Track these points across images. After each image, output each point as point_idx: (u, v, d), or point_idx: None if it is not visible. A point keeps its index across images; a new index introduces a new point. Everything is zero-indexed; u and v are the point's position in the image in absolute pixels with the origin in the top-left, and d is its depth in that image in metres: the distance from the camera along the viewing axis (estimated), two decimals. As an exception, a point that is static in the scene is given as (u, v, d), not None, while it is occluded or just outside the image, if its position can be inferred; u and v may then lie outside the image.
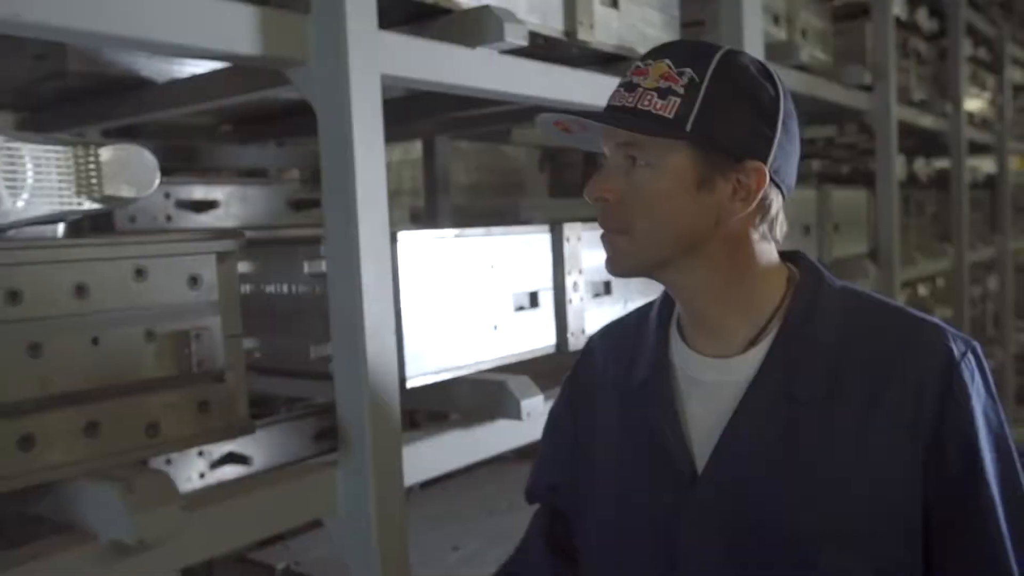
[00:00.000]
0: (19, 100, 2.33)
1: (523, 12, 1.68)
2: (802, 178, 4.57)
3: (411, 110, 2.37)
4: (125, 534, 1.00)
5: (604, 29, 1.94)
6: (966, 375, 0.94)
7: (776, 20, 2.83)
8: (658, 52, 1.00)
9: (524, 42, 1.55)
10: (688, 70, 0.96)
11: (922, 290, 4.53)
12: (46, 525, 1.39)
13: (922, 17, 4.12)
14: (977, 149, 5.20)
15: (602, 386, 1.14)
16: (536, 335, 1.82)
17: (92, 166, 1.08)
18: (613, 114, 0.98)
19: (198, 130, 2.93)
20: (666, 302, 1.11)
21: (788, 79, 2.69)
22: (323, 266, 1.38)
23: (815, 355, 0.97)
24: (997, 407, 0.97)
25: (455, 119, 2.84)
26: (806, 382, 0.96)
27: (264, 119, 2.78)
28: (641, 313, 1.16)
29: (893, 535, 0.93)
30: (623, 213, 0.98)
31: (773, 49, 2.64)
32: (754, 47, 2.34)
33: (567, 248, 1.88)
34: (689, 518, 0.99)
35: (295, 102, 2.20)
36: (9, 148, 1.00)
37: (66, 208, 1.07)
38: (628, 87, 0.99)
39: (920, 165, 4.30)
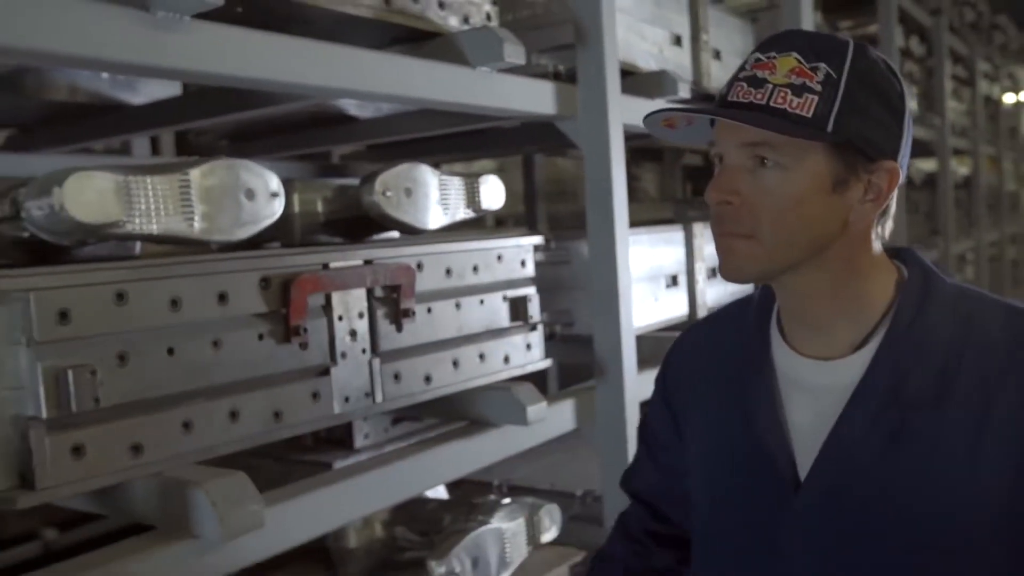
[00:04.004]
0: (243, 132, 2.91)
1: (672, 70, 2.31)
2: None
3: (520, 134, 2.99)
4: (520, 420, 1.61)
5: (713, 77, 2.58)
6: None
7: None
8: (780, 44, 0.95)
9: (689, 95, 2.18)
10: (823, 65, 0.91)
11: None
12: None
13: (914, 43, 4.83)
14: (955, 154, 5.93)
15: (695, 383, 1.14)
16: (676, 306, 2.45)
17: (476, 189, 1.68)
18: (742, 112, 0.93)
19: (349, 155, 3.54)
20: (765, 300, 1.09)
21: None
22: (542, 256, 2.00)
23: (924, 357, 0.94)
24: None
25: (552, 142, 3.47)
26: (915, 385, 0.93)
27: (400, 144, 3.37)
28: (736, 310, 1.15)
29: (1004, 544, 0.90)
30: (749, 216, 0.94)
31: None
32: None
33: (696, 242, 2.51)
34: (791, 525, 0.97)
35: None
36: (442, 179, 1.61)
37: (458, 217, 1.68)
38: (753, 82, 0.93)
39: (914, 171, 5.01)
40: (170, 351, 1.17)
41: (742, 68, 0.96)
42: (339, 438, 2.16)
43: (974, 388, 0.91)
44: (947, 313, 0.96)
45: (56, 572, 1.05)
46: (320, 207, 1.66)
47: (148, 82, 2.18)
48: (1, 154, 2.43)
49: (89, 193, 1.10)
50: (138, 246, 1.42)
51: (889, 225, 1.00)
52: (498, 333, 1.70)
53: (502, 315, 1.72)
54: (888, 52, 4.16)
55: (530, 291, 1.77)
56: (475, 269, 1.66)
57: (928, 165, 5.46)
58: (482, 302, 1.67)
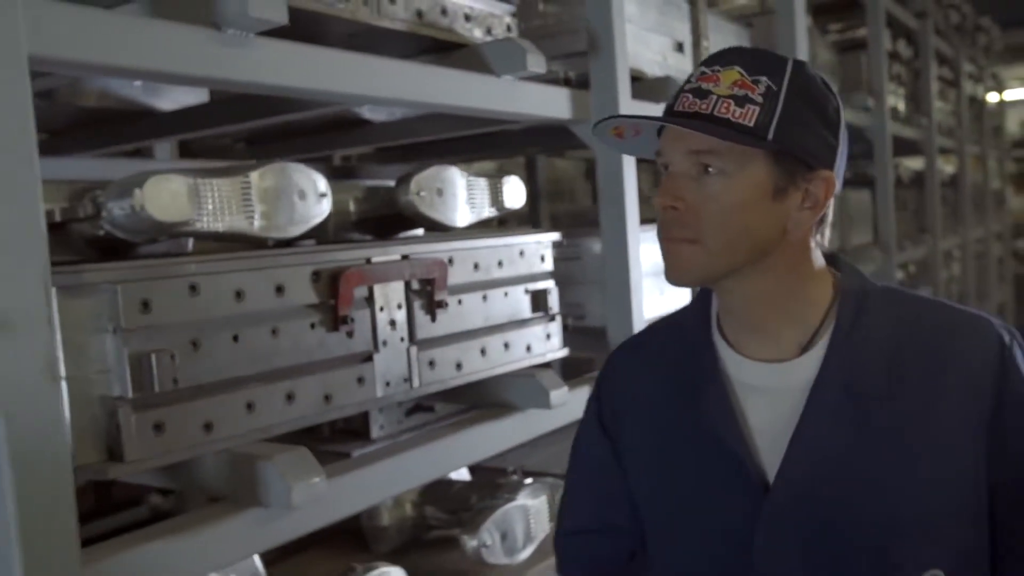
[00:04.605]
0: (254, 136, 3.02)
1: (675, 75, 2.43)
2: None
3: (521, 137, 3.12)
4: (543, 404, 1.72)
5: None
6: (1017, 358, 0.99)
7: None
8: (724, 59, 1.00)
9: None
10: (763, 78, 0.96)
11: (899, 274, 5.39)
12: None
13: (901, 46, 4.97)
14: (941, 152, 6.09)
15: (635, 403, 1.15)
16: (680, 300, 2.57)
17: (499, 189, 1.80)
18: (688, 120, 0.97)
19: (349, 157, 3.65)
20: (700, 310, 1.12)
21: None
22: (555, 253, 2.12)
23: (870, 353, 0.99)
24: None
25: (553, 144, 3.59)
26: (868, 380, 0.98)
27: (406, 148, 3.49)
28: (666, 326, 1.19)
29: (966, 519, 0.96)
30: (694, 222, 0.97)
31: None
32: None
33: (698, 238, 2.65)
34: (763, 525, 0.99)
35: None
36: (469, 180, 1.73)
37: (484, 215, 1.80)
38: (698, 93, 0.97)
39: (902, 169, 5.15)
40: (235, 338, 1.29)
41: (688, 81, 1.01)
42: (355, 429, 2.27)
43: (918, 380, 0.98)
44: (883, 312, 1.02)
45: (136, 538, 1.16)
46: (352, 207, 1.78)
47: (177, 88, 2.29)
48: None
49: (165, 195, 1.22)
50: (190, 243, 1.54)
51: (827, 233, 1.06)
52: (521, 323, 1.82)
53: (524, 307, 1.83)
54: (877, 55, 4.30)
55: (549, 284, 1.89)
56: (500, 264, 1.77)
57: (916, 164, 5.62)
58: (506, 294, 1.79)
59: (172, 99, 2.33)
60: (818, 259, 1.04)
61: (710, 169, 0.97)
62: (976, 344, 0.99)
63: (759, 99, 0.95)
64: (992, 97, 8.68)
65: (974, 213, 7.00)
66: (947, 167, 6.68)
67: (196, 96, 2.31)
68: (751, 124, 0.95)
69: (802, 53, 3.09)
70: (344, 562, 1.70)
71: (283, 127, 2.87)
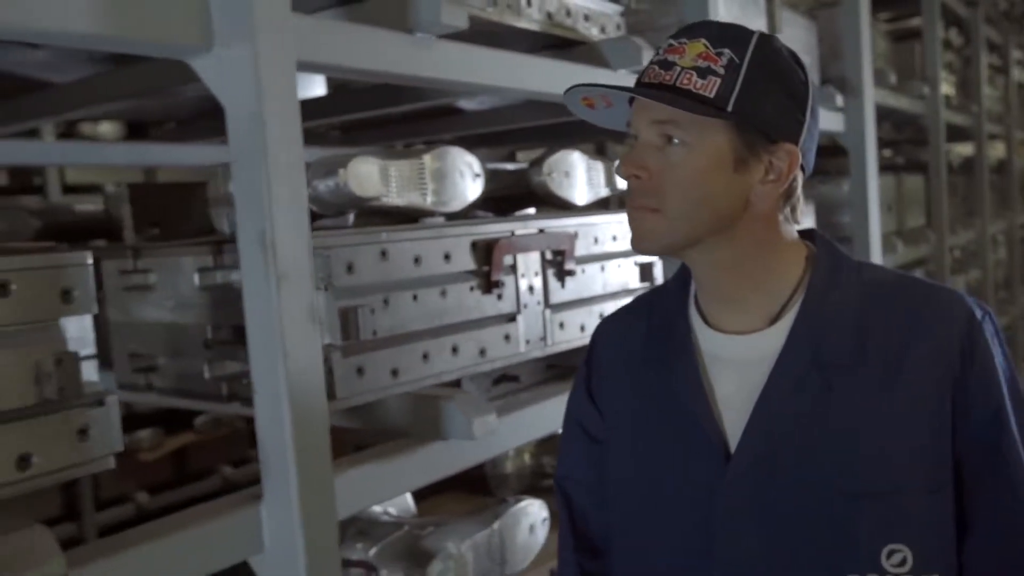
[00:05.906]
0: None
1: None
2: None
3: (592, 125, 3.31)
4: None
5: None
6: (987, 331, 1.00)
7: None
8: (691, 32, 1.00)
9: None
10: (727, 51, 0.97)
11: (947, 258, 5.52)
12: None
13: (953, 35, 5.10)
14: (989, 138, 6.19)
15: (615, 371, 1.16)
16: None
17: (605, 170, 2.01)
18: (647, 90, 0.98)
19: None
20: (680, 284, 1.13)
21: (878, 96, 3.64)
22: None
23: (840, 323, 1.00)
24: (1012, 365, 1.02)
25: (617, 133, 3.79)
26: (834, 347, 0.99)
27: (483, 136, 3.68)
28: (653, 297, 1.19)
29: (930, 492, 0.97)
30: (656, 191, 0.98)
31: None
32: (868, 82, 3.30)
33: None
34: (723, 494, 1.00)
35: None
36: (589, 163, 1.93)
37: (600, 195, 2.01)
38: (664, 65, 0.98)
39: (953, 155, 5.29)
40: (414, 297, 1.51)
41: (656, 53, 1.02)
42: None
43: (884, 350, 0.99)
44: (854, 284, 1.03)
45: (363, 457, 1.39)
46: (478, 187, 1.99)
47: (306, 81, 2.51)
48: (164, 144, 2.78)
49: (363, 173, 1.44)
50: (351, 218, 1.76)
51: (800, 208, 1.05)
52: (631, 292, 2.03)
53: (633, 277, 2.04)
54: (932, 43, 4.44)
55: (655, 258, 2.09)
56: (614, 238, 1.98)
57: (966, 150, 5.74)
58: (619, 266, 2.00)
59: (300, 91, 2.55)
60: (788, 233, 1.04)
61: (674, 140, 0.97)
62: (946, 317, 1.00)
63: (721, 71, 0.96)
64: (1038, 83, 8.71)
65: (1021, 198, 7.09)
66: (995, 153, 6.77)
67: (318, 88, 2.53)
68: (711, 95, 0.96)
69: (865, 43, 3.26)
70: (475, 503, 1.92)
71: (380, 115, 3.09)
